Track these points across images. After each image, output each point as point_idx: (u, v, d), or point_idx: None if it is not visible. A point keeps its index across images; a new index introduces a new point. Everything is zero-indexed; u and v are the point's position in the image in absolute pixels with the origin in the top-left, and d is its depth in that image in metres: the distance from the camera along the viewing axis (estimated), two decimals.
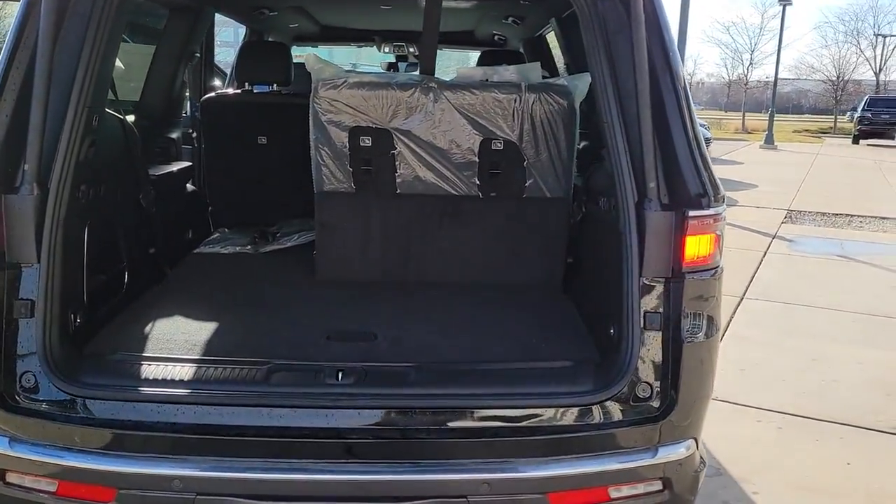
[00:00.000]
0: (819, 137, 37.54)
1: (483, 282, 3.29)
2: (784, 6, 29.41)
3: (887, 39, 49.58)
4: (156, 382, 2.30)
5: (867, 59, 50.78)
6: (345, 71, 3.28)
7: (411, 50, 6.20)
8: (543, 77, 3.53)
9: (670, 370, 2.34)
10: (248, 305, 3.01)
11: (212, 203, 4.33)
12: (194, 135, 4.38)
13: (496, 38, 5.80)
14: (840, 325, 6.22)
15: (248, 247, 3.94)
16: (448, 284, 3.27)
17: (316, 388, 2.30)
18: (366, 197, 3.32)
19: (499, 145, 3.23)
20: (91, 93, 2.37)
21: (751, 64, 52.29)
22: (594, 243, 2.97)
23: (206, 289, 3.27)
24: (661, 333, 2.34)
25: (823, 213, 12.32)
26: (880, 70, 50.28)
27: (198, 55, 4.31)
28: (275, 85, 4.43)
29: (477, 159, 3.26)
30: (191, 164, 4.25)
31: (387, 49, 6.31)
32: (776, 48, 34.25)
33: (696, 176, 2.35)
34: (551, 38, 5.21)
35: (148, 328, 2.70)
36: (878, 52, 50.20)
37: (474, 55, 6.40)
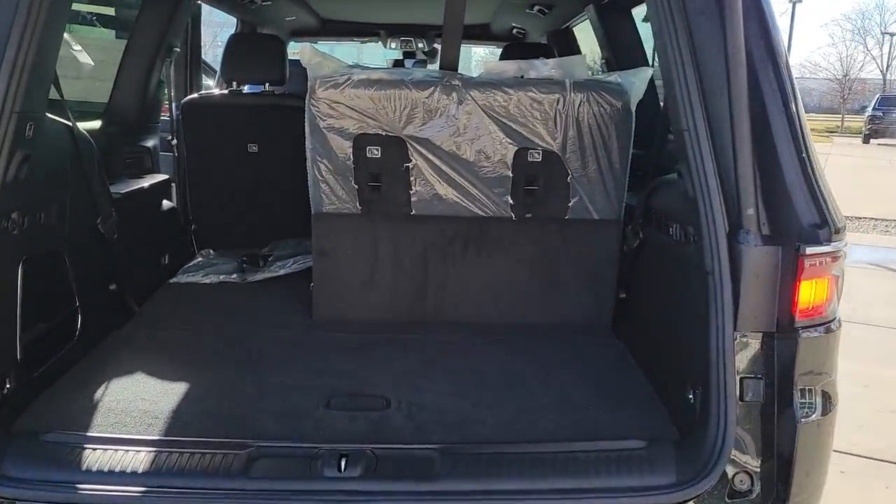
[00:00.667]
0: (827, 137, 37.63)
1: (517, 323, 2.99)
2: (794, 3, 29.26)
3: (894, 38, 49.69)
4: (101, 476, 1.86)
5: (874, 58, 50.97)
6: (348, 66, 2.90)
7: (420, 46, 5.91)
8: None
9: (776, 455, 1.93)
10: (228, 359, 2.62)
11: (194, 221, 3.99)
12: (174, 142, 3.99)
13: (515, 31, 5.49)
14: (885, 344, 5.79)
15: (234, 275, 3.64)
16: (474, 327, 2.94)
17: (311, 482, 1.91)
18: (374, 219, 2.99)
19: (537, 156, 2.88)
20: (23, 93, 1.94)
21: None
22: (660, 279, 2.57)
23: (177, 335, 2.87)
24: (763, 406, 1.91)
25: (845, 217, 11.92)
26: (887, 68, 50.40)
27: (177, 49, 3.85)
28: (267, 84, 4.05)
29: (510, 174, 2.91)
30: (167, 177, 3.89)
31: (393, 45, 6.02)
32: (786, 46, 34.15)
33: (810, 201, 1.94)
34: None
35: (98, 394, 2.27)
36: (885, 50, 50.38)
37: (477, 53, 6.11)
